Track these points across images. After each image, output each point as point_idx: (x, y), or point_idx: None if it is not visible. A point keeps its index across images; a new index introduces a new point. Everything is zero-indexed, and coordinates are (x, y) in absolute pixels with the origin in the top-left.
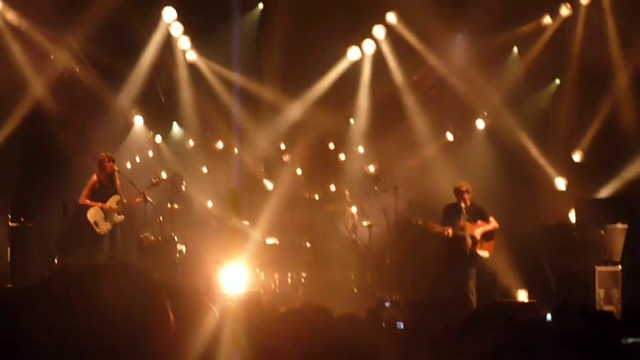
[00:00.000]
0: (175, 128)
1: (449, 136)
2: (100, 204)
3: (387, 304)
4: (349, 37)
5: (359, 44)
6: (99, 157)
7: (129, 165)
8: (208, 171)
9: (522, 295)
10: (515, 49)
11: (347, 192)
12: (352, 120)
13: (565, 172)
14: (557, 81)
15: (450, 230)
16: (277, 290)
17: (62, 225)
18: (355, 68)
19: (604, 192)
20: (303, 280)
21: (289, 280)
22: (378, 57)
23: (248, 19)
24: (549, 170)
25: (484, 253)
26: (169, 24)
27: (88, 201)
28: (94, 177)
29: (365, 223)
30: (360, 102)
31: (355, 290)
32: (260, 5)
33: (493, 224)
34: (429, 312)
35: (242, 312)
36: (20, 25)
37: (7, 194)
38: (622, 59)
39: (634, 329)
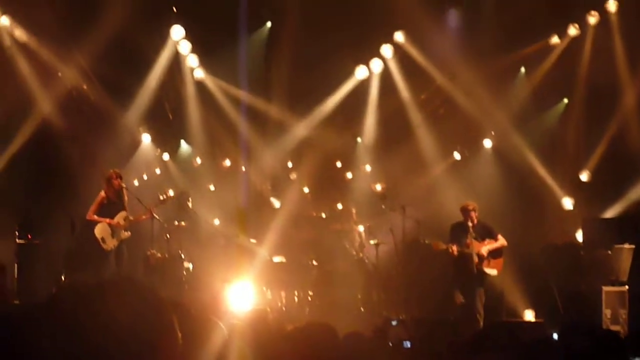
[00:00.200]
0: (184, 145)
1: (457, 155)
2: (107, 220)
3: (394, 323)
4: (357, 56)
5: (366, 62)
6: (107, 174)
7: (136, 183)
8: (215, 189)
9: (529, 315)
10: (522, 69)
11: (354, 211)
12: (359, 139)
13: (572, 191)
14: (565, 101)
15: (455, 248)
16: (284, 309)
17: (70, 241)
18: (362, 86)
19: (611, 212)
20: (310, 298)
21: (296, 298)
22: (386, 75)
23: (256, 37)
24: (556, 189)
25: (491, 271)
26: (177, 42)
27: (96, 217)
28: (102, 194)
29: (372, 242)
30: (367, 121)
31: (362, 309)
32: (269, 24)
33: (501, 241)
34: (435, 331)
35: (249, 330)
36: (28, 43)
37: (14, 210)
38: (630, 79)
39: None
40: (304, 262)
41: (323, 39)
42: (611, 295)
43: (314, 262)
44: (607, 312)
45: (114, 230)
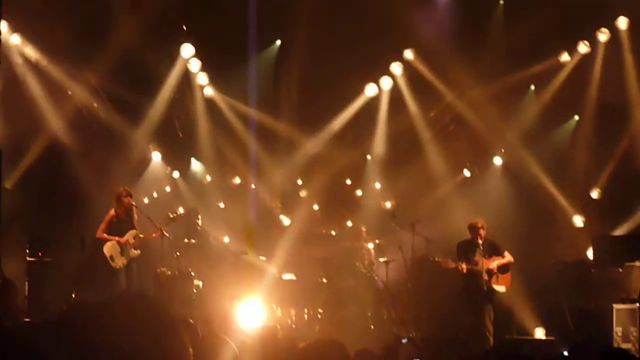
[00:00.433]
0: (194, 163)
1: (466, 172)
2: (117, 238)
3: (404, 341)
4: (367, 73)
5: (376, 80)
6: (117, 192)
7: (146, 200)
8: (225, 206)
9: (540, 333)
10: (532, 87)
11: (363, 228)
12: (369, 156)
13: (582, 209)
14: (576, 118)
15: (464, 266)
16: (294, 326)
17: (80, 259)
18: (372, 104)
19: (622, 230)
20: (319, 316)
21: (305, 316)
22: (395, 93)
23: (265, 55)
24: (567, 207)
25: (500, 287)
26: (187, 60)
27: (105, 235)
28: (112, 212)
29: (382, 259)
30: (377, 138)
31: (372, 326)
32: (278, 42)
33: (508, 257)
34: (445, 349)
35: (259, 347)
36: (39, 61)
37: (25, 228)
38: None
39: None
40: (314, 279)
41: (332, 56)
42: (622, 313)
43: (324, 280)
44: (618, 330)
45: (123, 248)
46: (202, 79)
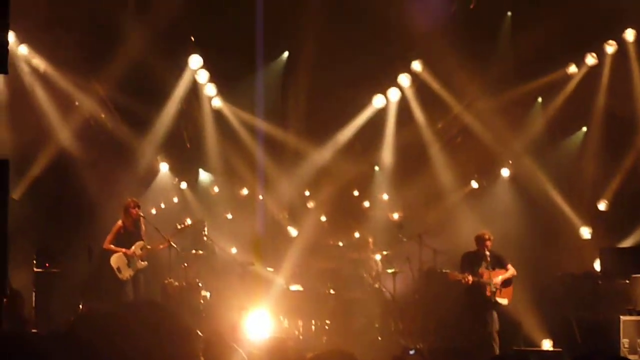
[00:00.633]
0: (202, 174)
1: (474, 184)
2: (124, 250)
3: (412, 352)
4: (374, 85)
5: (384, 91)
6: (125, 203)
7: (153, 211)
8: (232, 217)
9: (547, 344)
10: (539, 99)
11: (370, 240)
12: (376, 167)
13: (590, 221)
14: (584, 129)
15: (469, 278)
16: (301, 337)
17: (87, 270)
18: (380, 115)
19: (629, 242)
20: (327, 327)
21: (313, 327)
22: (403, 104)
23: (273, 67)
24: (574, 218)
25: (503, 300)
26: (195, 71)
27: (112, 246)
28: (119, 223)
29: (389, 270)
30: (385, 149)
31: (379, 338)
32: (286, 53)
33: (511, 271)
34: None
35: (268, 357)
36: (47, 71)
37: (32, 238)
38: None
39: None
40: (321, 290)
41: (340, 68)
42: (629, 325)
43: (331, 291)
44: (624, 342)
45: (130, 260)
46: (210, 89)
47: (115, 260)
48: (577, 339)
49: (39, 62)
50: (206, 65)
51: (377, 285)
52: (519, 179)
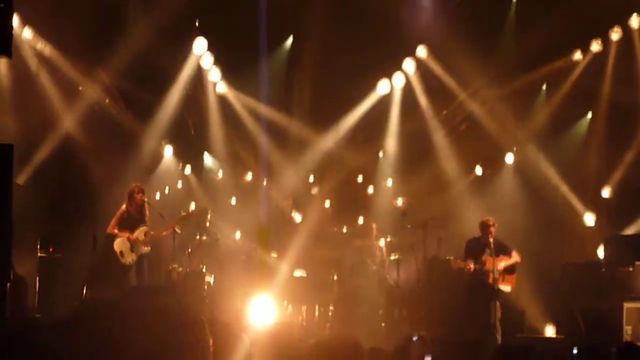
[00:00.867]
0: (207, 159)
1: (478, 171)
2: (127, 234)
3: (415, 339)
4: (379, 71)
5: (388, 77)
6: (130, 188)
7: (157, 197)
8: (236, 203)
9: (550, 331)
10: (544, 86)
11: (374, 226)
12: (381, 154)
13: (594, 208)
14: (589, 116)
15: (472, 265)
16: (305, 324)
17: (91, 256)
18: (384, 102)
19: (633, 229)
20: (330, 313)
21: (317, 313)
22: (408, 91)
23: (278, 54)
24: (578, 206)
25: (505, 287)
26: (199, 56)
27: (116, 231)
28: (123, 207)
29: (393, 257)
30: (389, 136)
31: (383, 324)
32: (290, 39)
33: (515, 257)
34: (454, 347)
35: (272, 343)
36: (51, 57)
37: (36, 225)
38: None
39: None
40: (325, 277)
41: (345, 54)
42: (632, 312)
43: (335, 277)
44: (627, 329)
45: (133, 244)
46: (214, 74)
47: (118, 244)
48: (581, 326)
49: (43, 47)
50: (210, 51)
51: (381, 272)
52: (524, 167)
